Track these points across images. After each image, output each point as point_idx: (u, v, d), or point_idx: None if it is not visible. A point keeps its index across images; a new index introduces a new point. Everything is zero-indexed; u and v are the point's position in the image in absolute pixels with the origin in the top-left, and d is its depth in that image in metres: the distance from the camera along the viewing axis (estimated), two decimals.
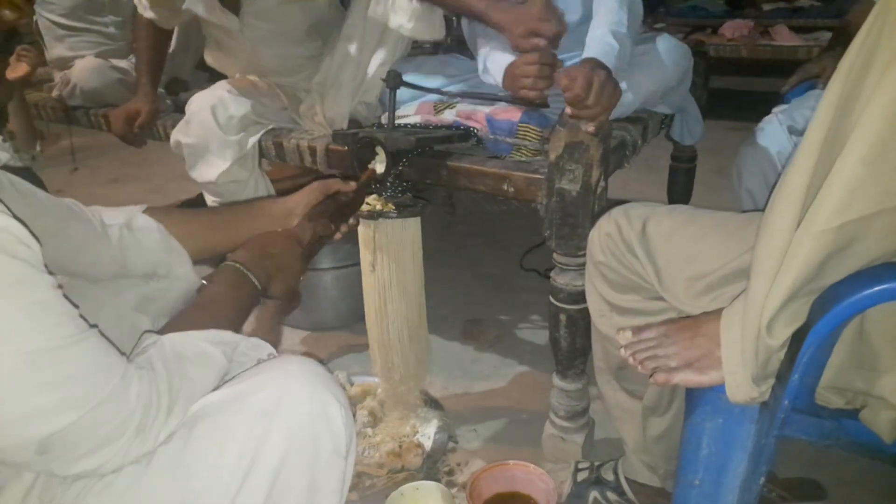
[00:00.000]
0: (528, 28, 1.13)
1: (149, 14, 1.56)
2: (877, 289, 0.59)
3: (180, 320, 0.75)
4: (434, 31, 1.32)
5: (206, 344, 0.69)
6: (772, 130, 1.32)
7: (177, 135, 1.44)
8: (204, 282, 0.85)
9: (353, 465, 0.71)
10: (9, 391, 0.51)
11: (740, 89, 3.99)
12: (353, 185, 1.08)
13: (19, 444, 0.53)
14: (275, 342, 1.64)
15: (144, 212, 0.92)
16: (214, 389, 0.67)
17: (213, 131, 1.37)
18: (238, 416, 0.64)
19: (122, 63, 1.99)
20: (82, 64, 1.87)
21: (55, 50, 2.00)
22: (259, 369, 0.70)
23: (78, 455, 0.56)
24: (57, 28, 1.98)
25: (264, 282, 0.86)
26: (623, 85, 1.12)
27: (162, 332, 0.69)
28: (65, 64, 1.97)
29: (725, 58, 3.40)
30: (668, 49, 1.39)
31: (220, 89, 1.43)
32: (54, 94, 1.92)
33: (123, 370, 0.59)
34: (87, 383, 0.55)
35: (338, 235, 1.06)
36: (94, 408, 0.55)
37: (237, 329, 0.76)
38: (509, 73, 1.20)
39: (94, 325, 0.59)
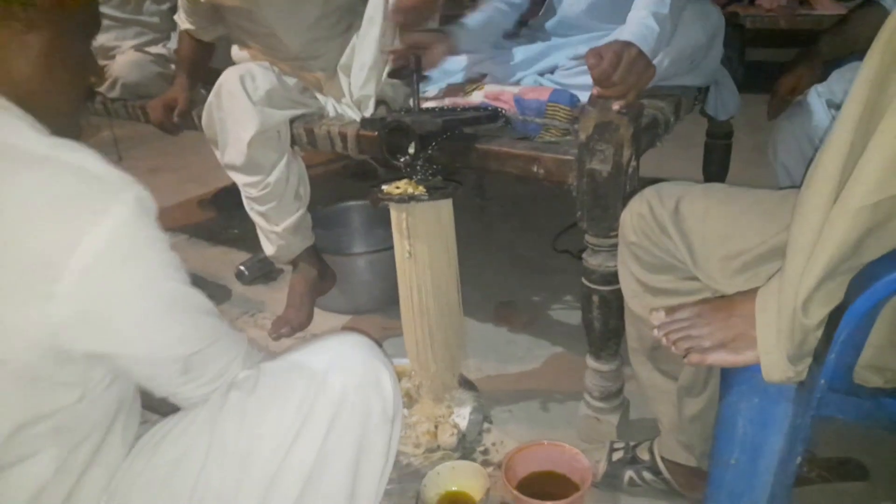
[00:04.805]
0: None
1: (186, 25, 1.60)
2: None
3: None
4: None
5: None
6: (810, 104, 1.29)
7: (208, 110, 1.45)
8: None
9: (399, 432, 0.77)
10: (165, 323, 0.66)
11: (779, 61, 3.86)
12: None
13: (168, 359, 0.67)
14: (304, 321, 1.68)
15: None
16: None
17: (241, 99, 1.37)
18: (298, 373, 0.73)
19: (160, 49, 2.04)
20: (123, 59, 1.93)
21: (99, 38, 2.06)
22: (316, 340, 0.78)
23: (205, 381, 0.70)
24: (104, 18, 2.03)
25: None
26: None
27: None
28: (107, 53, 2.03)
29: (763, 29, 3.28)
30: (696, 8, 1.35)
31: (249, 63, 1.46)
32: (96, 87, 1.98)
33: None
34: (212, 323, 0.70)
35: None
36: (216, 341, 0.70)
37: None
38: None
39: None
